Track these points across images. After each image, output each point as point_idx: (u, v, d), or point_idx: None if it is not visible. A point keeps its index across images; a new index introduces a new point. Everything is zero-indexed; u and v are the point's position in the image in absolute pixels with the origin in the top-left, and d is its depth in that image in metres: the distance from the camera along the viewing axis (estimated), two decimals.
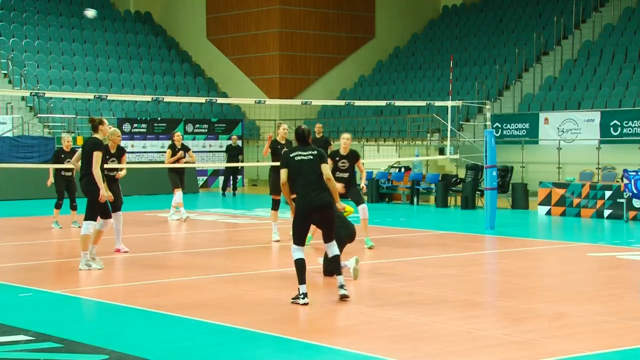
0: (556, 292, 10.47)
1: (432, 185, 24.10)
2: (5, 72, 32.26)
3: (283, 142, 15.41)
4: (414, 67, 35.44)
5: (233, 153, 27.71)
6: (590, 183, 20.06)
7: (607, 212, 19.31)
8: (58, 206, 17.58)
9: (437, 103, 21.20)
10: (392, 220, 19.43)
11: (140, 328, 8.60)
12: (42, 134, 29.50)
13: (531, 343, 7.79)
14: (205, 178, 30.99)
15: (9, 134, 27.23)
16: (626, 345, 7.80)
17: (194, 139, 30.68)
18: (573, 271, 12.25)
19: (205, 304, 9.75)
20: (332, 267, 10.15)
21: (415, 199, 24.06)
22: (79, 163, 12.11)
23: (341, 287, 9.73)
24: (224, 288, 10.78)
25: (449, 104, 19.56)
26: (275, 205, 15.20)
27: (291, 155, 9.75)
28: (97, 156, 11.78)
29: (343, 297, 9.67)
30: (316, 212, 9.64)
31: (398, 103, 23.44)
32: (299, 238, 9.66)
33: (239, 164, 26.94)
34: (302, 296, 9.49)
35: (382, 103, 22.63)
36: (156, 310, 9.24)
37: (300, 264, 9.57)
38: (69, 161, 16.55)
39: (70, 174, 17.27)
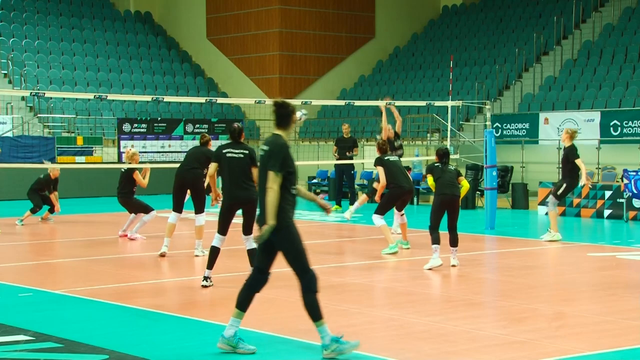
0: (556, 292, 10.47)
1: None
2: (5, 72, 32.26)
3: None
4: (414, 67, 35.43)
5: None
6: (591, 183, 20.06)
7: (607, 212, 19.32)
8: (34, 211, 18.66)
9: (437, 103, 21.20)
10: (392, 221, 19.40)
11: (140, 328, 8.61)
12: (42, 134, 29.50)
13: (531, 343, 7.79)
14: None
15: (9, 134, 27.23)
16: (626, 345, 7.80)
17: (194, 139, 30.66)
18: (573, 271, 12.25)
19: (205, 304, 9.76)
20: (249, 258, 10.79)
21: (415, 199, 24.06)
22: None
23: (205, 278, 10.64)
24: (224, 288, 10.78)
25: (449, 104, 19.57)
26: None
27: (223, 152, 10.55)
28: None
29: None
30: (239, 205, 10.63)
31: (398, 103, 23.36)
32: (223, 228, 10.70)
33: None
34: (204, 279, 10.62)
35: (382, 103, 22.62)
36: (156, 310, 9.24)
37: (214, 251, 10.64)
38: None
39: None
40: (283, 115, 7.75)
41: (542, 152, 26.29)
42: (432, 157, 18.17)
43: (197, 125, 31.08)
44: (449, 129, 20.02)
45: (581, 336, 8.12)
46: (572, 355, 7.40)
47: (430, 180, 12.23)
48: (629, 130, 23.94)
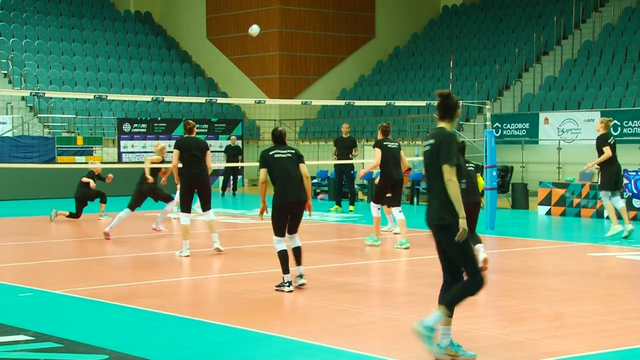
0: (556, 292, 10.47)
1: None
2: (5, 72, 32.27)
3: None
4: (414, 67, 35.43)
5: (232, 153, 27.70)
6: (590, 183, 20.05)
7: (607, 212, 19.29)
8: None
9: (437, 103, 21.18)
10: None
11: (140, 328, 8.60)
12: (42, 134, 29.50)
13: (531, 343, 7.79)
14: None
15: (9, 134, 27.23)
16: (626, 345, 7.80)
17: None
18: (573, 271, 12.25)
19: (205, 304, 9.76)
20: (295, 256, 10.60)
21: (415, 199, 24.07)
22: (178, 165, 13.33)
23: (301, 276, 10.44)
24: (224, 288, 10.78)
25: None
26: None
27: (270, 154, 10.42)
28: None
29: (302, 286, 10.39)
30: (292, 206, 10.37)
31: (398, 103, 23.44)
32: (280, 231, 10.38)
33: (239, 164, 26.96)
34: (287, 284, 10.25)
35: (382, 103, 22.64)
36: (156, 310, 9.24)
37: (283, 255, 10.34)
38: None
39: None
40: (449, 106, 7.40)
41: (542, 152, 26.30)
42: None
43: (197, 125, 30.96)
44: None
45: (581, 336, 8.12)
46: (572, 355, 7.40)
47: None
48: (629, 130, 23.94)
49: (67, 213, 18.82)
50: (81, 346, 7.63)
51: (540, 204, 20.44)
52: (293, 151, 10.54)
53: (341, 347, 7.65)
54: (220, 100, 18.56)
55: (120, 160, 28.98)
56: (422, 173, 25.27)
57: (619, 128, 24.04)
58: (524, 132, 26.47)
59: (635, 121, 23.79)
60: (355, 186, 23.79)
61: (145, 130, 29.89)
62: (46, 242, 15.83)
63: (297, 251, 10.49)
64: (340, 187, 22.05)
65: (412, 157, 26.31)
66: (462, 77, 32.55)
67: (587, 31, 31.64)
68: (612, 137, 15.85)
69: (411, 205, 23.77)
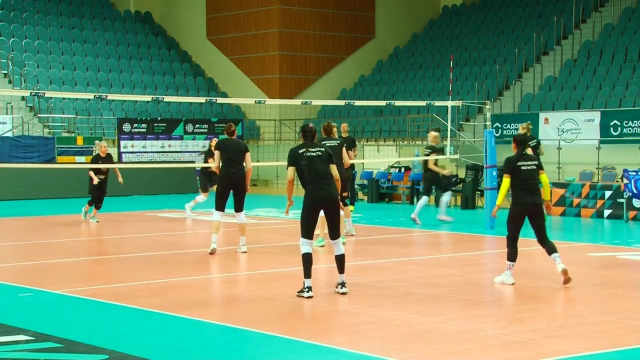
0: (556, 292, 10.47)
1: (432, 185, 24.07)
2: (5, 72, 32.27)
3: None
4: (414, 67, 35.43)
5: None
6: (590, 183, 20.06)
7: (607, 212, 19.31)
8: (91, 204, 18.73)
9: (437, 103, 21.19)
10: (392, 220, 19.43)
11: (140, 328, 8.60)
12: (42, 134, 29.50)
13: (531, 343, 7.79)
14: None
15: (9, 134, 27.23)
16: (626, 345, 7.80)
17: (194, 139, 30.70)
18: (573, 271, 12.23)
19: (205, 304, 9.76)
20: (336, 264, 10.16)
21: (415, 199, 24.05)
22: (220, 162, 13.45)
23: (342, 285, 9.99)
24: (224, 288, 10.78)
25: (449, 104, 19.56)
26: None
27: (300, 152, 9.99)
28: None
29: (341, 294, 9.96)
30: (323, 206, 9.91)
31: (398, 103, 23.41)
32: (308, 232, 9.89)
33: None
34: (306, 290, 9.76)
35: (382, 103, 22.62)
36: (156, 310, 9.24)
37: (307, 258, 9.81)
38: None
39: (104, 177, 18.60)
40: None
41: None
42: (432, 157, 18.15)
43: (197, 125, 31.10)
44: (449, 129, 20.01)
45: (581, 336, 8.12)
46: (572, 355, 7.40)
47: (506, 182, 10.83)
48: (629, 130, 23.93)
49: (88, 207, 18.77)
50: (81, 346, 7.63)
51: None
52: (323, 149, 10.09)
53: (341, 347, 7.65)
54: (220, 100, 18.55)
55: (120, 160, 28.98)
56: (421, 173, 25.25)
57: (619, 128, 24.04)
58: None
59: (635, 121, 23.79)
60: (356, 186, 23.78)
61: (145, 130, 29.89)
62: (46, 242, 15.83)
63: (339, 259, 9.99)
64: None
65: (412, 157, 26.35)
66: (462, 77, 32.54)
67: (587, 31, 31.64)
68: (535, 139, 18.38)
69: (411, 206, 23.76)
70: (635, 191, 18.71)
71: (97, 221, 18.48)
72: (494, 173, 17.70)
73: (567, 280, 10.63)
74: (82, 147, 28.35)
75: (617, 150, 24.05)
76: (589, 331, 8.33)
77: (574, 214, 19.80)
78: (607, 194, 19.38)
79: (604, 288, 10.80)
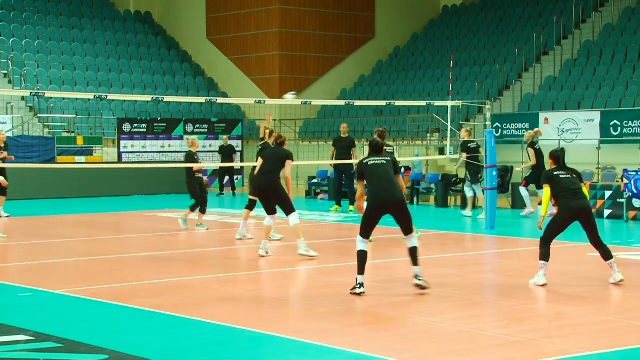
0: (556, 292, 10.47)
1: (432, 185, 24.10)
2: (5, 72, 32.27)
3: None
4: (414, 67, 35.43)
5: (226, 153, 27.67)
6: (590, 183, 20.06)
7: (607, 212, 19.31)
8: (194, 208, 17.22)
9: (437, 103, 21.19)
10: (392, 220, 19.37)
11: (140, 328, 8.60)
12: (42, 134, 29.50)
13: (531, 343, 7.79)
14: (205, 178, 30.97)
15: (9, 134, 27.22)
16: (626, 345, 7.80)
17: None
18: (573, 271, 12.25)
19: (205, 304, 9.75)
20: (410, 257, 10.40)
21: (415, 199, 24.06)
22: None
23: (416, 277, 10.25)
24: (224, 288, 10.78)
25: (449, 104, 19.56)
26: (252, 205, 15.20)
27: (365, 162, 10.48)
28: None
29: (419, 287, 10.20)
30: (386, 207, 10.26)
31: (398, 103, 23.41)
32: (365, 231, 10.21)
33: (233, 164, 27.00)
34: (358, 286, 10.02)
35: (382, 103, 22.61)
36: (156, 310, 9.24)
37: (362, 255, 10.12)
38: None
39: (201, 175, 17.61)
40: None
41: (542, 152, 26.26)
42: (432, 157, 18.16)
43: (197, 125, 31.09)
44: (449, 129, 20.01)
45: (581, 336, 8.12)
46: (572, 355, 7.40)
47: (547, 192, 11.00)
48: (629, 130, 23.94)
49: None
50: (81, 346, 7.63)
51: (540, 203, 20.40)
52: (389, 158, 10.54)
53: (341, 347, 7.65)
54: (220, 100, 18.54)
55: (120, 160, 28.99)
56: (421, 173, 25.26)
57: (619, 128, 24.04)
58: (524, 132, 26.39)
59: (635, 121, 23.79)
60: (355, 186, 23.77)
61: (145, 130, 29.89)
62: (46, 242, 15.83)
63: (413, 251, 10.25)
64: (340, 187, 22.05)
65: (412, 157, 26.34)
66: (462, 77, 32.54)
67: (587, 31, 31.64)
68: (474, 142, 19.86)
69: (411, 206, 23.77)
70: (635, 191, 18.70)
71: (208, 228, 17.23)
72: (494, 173, 17.70)
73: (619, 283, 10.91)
74: (82, 147, 28.36)
75: (617, 150, 24.06)
76: (589, 331, 8.33)
77: None
78: (607, 194, 19.37)
79: (604, 288, 10.79)
